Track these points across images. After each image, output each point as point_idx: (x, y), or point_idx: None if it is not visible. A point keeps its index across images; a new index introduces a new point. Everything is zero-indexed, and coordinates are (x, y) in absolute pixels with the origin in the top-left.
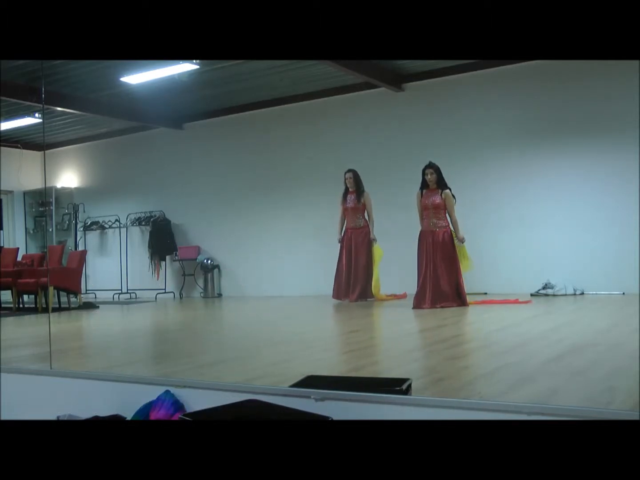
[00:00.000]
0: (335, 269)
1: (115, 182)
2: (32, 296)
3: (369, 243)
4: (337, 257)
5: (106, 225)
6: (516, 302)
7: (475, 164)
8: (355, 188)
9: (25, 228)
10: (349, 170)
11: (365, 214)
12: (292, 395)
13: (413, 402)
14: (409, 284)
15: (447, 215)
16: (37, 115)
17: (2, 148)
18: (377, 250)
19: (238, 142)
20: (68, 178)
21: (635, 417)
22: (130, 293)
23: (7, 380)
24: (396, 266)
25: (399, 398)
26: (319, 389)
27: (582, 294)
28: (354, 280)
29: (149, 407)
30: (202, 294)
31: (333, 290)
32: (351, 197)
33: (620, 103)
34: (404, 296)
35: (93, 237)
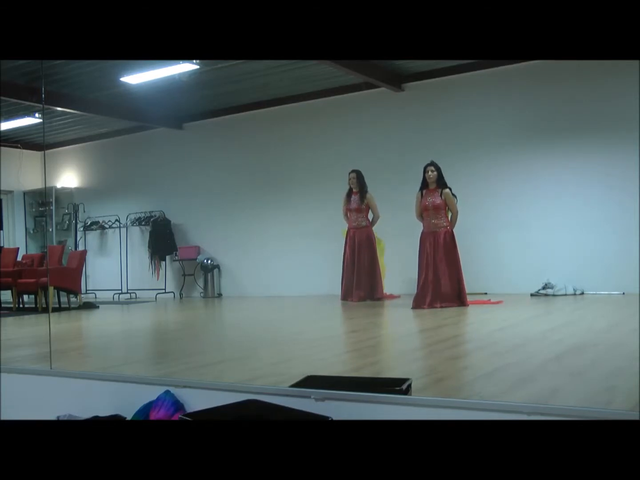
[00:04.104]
0: (336, 269)
1: (115, 182)
2: (32, 296)
3: (372, 243)
4: (337, 257)
5: (106, 225)
6: (488, 302)
7: (475, 163)
8: (359, 189)
9: (25, 228)
10: (353, 171)
11: (369, 215)
12: (292, 395)
13: (413, 402)
14: (410, 284)
15: (447, 215)
16: (37, 115)
17: (2, 148)
18: (379, 243)
19: (238, 142)
20: (68, 178)
21: (635, 417)
22: (130, 293)
23: (7, 380)
24: (396, 266)
25: (399, 398)
26: (319, 389)
27: (582, 294)
28: (357, 280)
29: (149, 407)
30: (202, 294)
31: (341, 292)
32: (355, 198)
33: (620, 103)
34: (397, 297)
35: (93, 237)
